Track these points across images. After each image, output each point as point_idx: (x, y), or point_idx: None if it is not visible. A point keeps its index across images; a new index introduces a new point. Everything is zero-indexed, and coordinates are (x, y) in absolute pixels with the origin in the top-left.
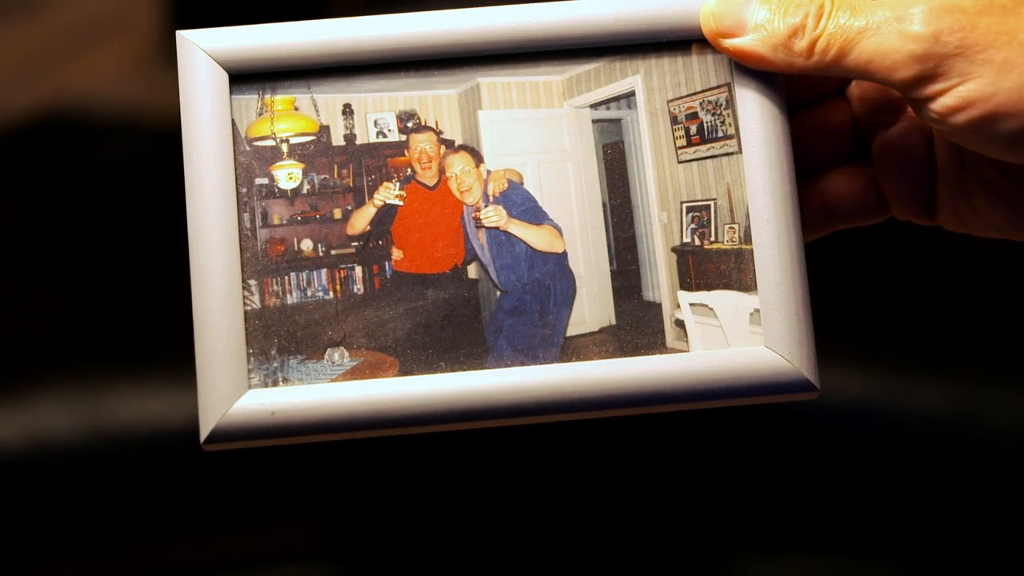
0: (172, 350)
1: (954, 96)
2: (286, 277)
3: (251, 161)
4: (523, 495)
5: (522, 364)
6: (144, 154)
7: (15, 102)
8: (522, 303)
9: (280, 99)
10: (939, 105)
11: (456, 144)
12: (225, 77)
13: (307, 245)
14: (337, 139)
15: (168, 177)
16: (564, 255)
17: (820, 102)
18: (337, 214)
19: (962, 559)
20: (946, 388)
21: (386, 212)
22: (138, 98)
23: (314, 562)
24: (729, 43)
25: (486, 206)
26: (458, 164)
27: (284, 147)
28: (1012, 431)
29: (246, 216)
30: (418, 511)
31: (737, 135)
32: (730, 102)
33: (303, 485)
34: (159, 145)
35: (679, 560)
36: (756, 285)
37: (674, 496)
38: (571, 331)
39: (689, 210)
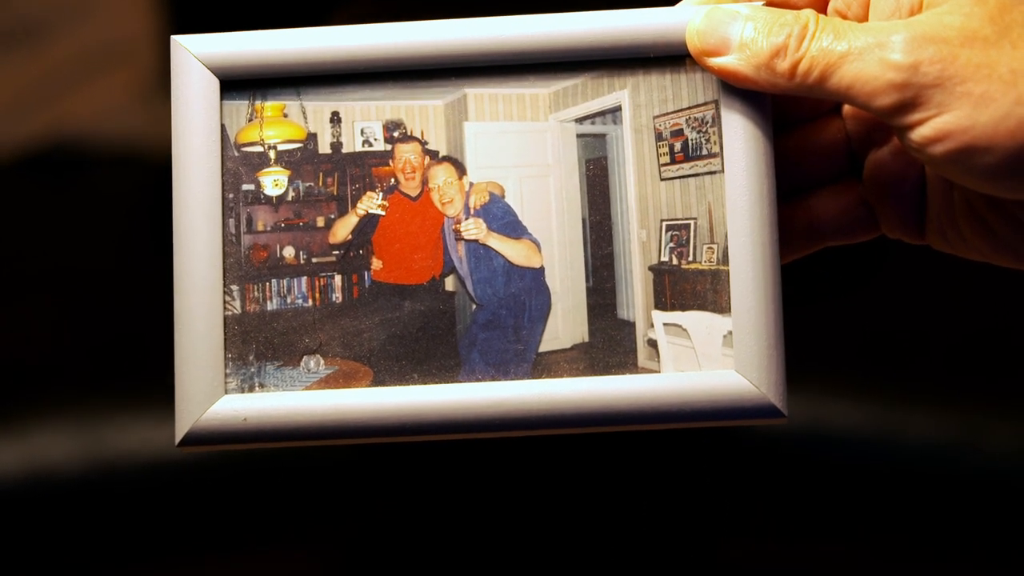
0: (168, 383)
1: (931, 127)
2: (267, 283)
3: (239, 167)
4: (516, 523)
5: (494, 379)
6: (144, 184)
7: (17, 132)
8: (497, 317)
9: (270, 105)
10: (917, 135)
11: (440, 155)
12: (216, 83)
13: (289, 252)
14: (324, 147)
15: (167, 207)
16: (541, 270)
17: (815, 119)
18: (320, 222)
19: None
20: (941, 417)
21: (368, 222)
22: (138, 129)
23: None
24: (713, 62)
25: (467, 218)
26: (441, 175)
27: (272, 153)
28: (1006, 459)
29: (231, 221)
30: (412, 538)
31: (721, 154)
32: (716, 120)
33: (298, 512)
34: (158, 175)
35: None
36: (730, 307)
37: (669, 525)
38: (544, 347)
39: (669, 228)
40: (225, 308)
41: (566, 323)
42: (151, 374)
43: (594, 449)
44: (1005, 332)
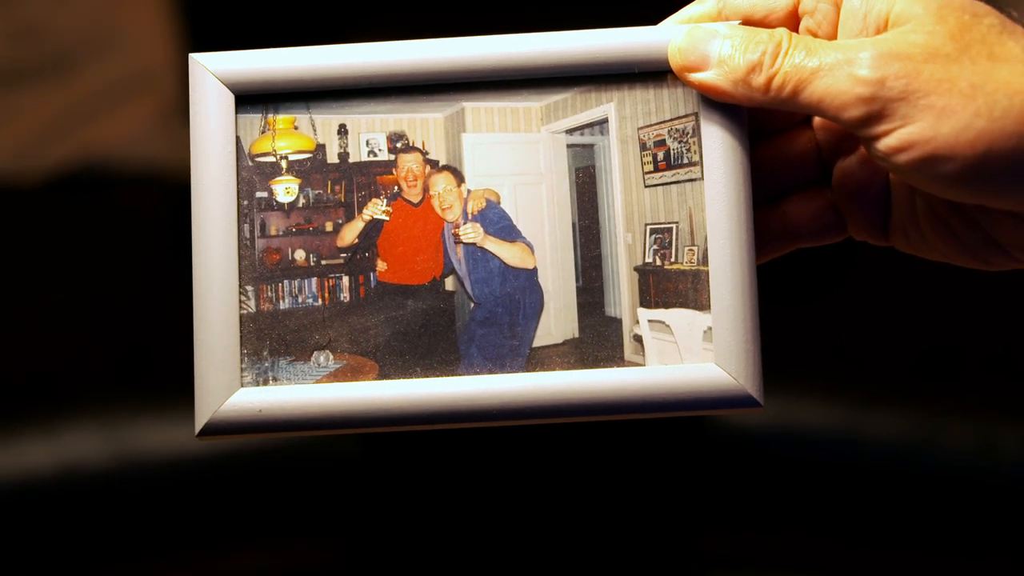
0: (190, 384)
1: (896, 137)
2: (280, 284)
3: (252, 176)
4: (508, 515)
5: (491, 372)
6: (165, 204)
7: (49, 155)
8: (493, 315)
9: (281, 118)
10: (883, 145)
11: (440, 164)
12: (231, 97)
13: (300, 255)
14: (332, 157)
15: (187, 224)
16: (534, 271)
17: (787, 130)
18: (329, 227)
19: (915, 572)
20: (901, 418)
21: (373, 226)
22: (160, 153)
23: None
24: (694, 77)
25: (465, 223)
26: (441, 183)
27: (283, 163)
28: (960, 457)
29: (246, 227)
30: (413, 529)
31: (701, 162)
32: (696, 131)
33: (306, 507)
34: (179, 196)
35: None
36: (710, 305)
37: (654, 516)
38: (537, 343)
39: (652, 232)
40: (241, 307)
41: (558, 320)
42: (171, 378)
43: (582, 444)
44: (960, 338)
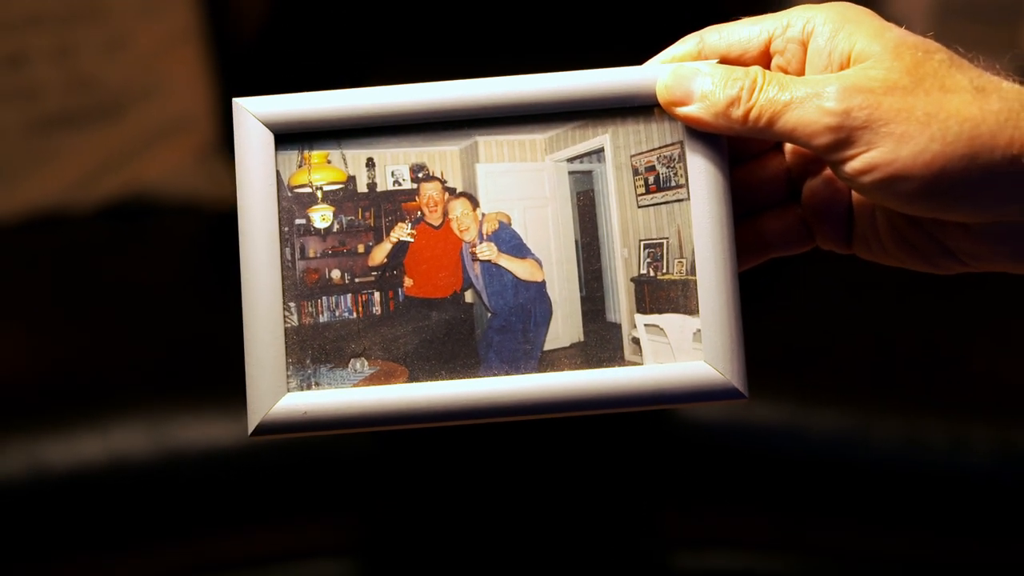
0: (224, 385)
1: (861, 161)
2: (319, 300)
3: (292, 205)
4: (494, 498)
5: (507, 373)
6: (203, 229)
7: (100, 188)
8: (508, 323)
9: (316, 154)
10: (849, 167)
11: (457, 191)
12: (271, 136)
13: (336, 274)
14: (361, 187)
15: (222, 247)
16: (543, 284)
17: (761, 155)
18: (360, 249)
19: (851, 551)
20: (838, 414)
21: (400, 247)
22: (198, 186)
23: (336, 557)
24: (679, 110)
25: (481, 243)
26: (459, 208)
27: (319, 193)
28: (889, 450)
29: (287, 250)
30: (424, 512)
31: (687, 185)
32: (682, 157)
33: (327, 490)
34: (215, 223)
35: (626, 553)
36: (698, 310)
37: (622, 500)
38: (547, 346)
39: (646, 247)
40: (285, 322)
41: (565, 326)
42: (208, 380)
43: (559, 436)
44: (887, 346)
